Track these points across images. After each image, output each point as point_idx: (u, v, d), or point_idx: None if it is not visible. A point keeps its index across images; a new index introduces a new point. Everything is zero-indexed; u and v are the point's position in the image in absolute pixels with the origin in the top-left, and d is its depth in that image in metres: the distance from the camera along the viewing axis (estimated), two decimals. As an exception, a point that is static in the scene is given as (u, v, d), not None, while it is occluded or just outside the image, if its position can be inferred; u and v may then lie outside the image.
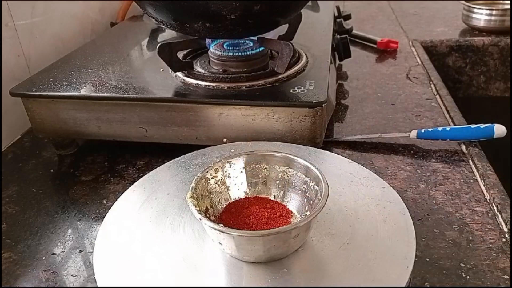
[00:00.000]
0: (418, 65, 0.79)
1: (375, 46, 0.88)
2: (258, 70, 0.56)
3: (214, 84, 0.54)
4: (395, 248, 0.36)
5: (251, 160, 0.42)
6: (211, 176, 0.40)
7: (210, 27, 0.52)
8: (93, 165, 0.56)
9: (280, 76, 0.55)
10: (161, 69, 0.59)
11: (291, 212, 0.40)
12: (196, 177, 0.39)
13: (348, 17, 0.90)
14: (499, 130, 0.51)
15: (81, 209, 0.48)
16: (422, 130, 0.54)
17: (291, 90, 0.52)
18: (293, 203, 0.40)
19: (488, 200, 0.45)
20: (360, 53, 0.86)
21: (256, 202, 0.41)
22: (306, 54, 0.62)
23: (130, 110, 0.54)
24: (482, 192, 0.47)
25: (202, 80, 0.55)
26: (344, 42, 0.72)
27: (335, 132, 0.59)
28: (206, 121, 0.53)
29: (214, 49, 0.58)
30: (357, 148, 0.55)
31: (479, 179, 0.48)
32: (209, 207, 0.39)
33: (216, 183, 0.40)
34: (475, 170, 0.50)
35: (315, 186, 0.38)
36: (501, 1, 0.99)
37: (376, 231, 0.38)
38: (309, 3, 0.85)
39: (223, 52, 0.57)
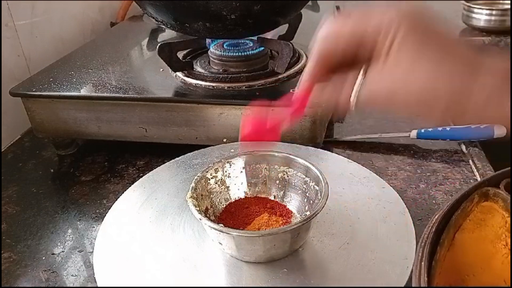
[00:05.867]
0: (418, 65, 0.79)
1: (375, 46, 0.88)
2: (258, 70, 0.56)
3: (214, 84, 0.54)
4: (395, 248, 0.36)
5: (251, 160, 0.42)
6: (211, 176, 0.40)
7: (210, 27, 0.52)
8: (93, 165, 0.56)
9: (280, 76, 0.55)
10: (161, 69, 0.59)
11: (291, 212, 0.40)
12: (196, 177, 0.39)
13: (348, 17, 0.89)
14: (499, 130, 0.51)
15: (81, 209, 0.48)
16: (422, 130, 0.54)
17: (291, 90, 0.52)
18: (293, 203, 0.40)
19: (488, 200, 0.45)
20: (360, 53, 0.86)
21: (256, 202, 0.41)
22: (306, 54, 0.62)
23: (130, 110, 0.54)
24: (482, 192, 0.47)
25: (202, 80, 0.55)
26: (344, 42, 0.72)
27: (335, 132, 0.59)
28: (206, 121, 0.53)
29: (214, 49, 0.58)
30: (357, 148, 0.55)
31: (479, 179, 0.48)
32: (209, 207, 0.39)
33: (216, 183, 0.40)
34: (475, 170, 0.50)
35: (315, 186, 0.38)
36: (501, 1, 0.98)
37: (376, 231, 0.38)
38: (309, 3, 0.85)
39: (223, 52, 0.57)
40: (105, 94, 0.54)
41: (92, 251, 0.39)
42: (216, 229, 0.33)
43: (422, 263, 0.27)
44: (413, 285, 0.26)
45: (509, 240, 0.29)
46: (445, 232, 0.29)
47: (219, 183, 0.41)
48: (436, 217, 0.30)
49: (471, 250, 0.29)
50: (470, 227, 0.30)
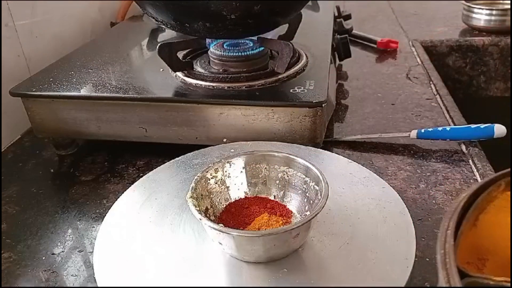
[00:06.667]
0: (418, 65, 0.79)
1: (375, 46, 0.88)
2: (258, 70, 0.56)
3: (214, 84, 0.54)
4: (395, 248, 0.36)
5: (251, 160, 0.42)
6: (211, 176, 0.40)
7: (210, 27, 0.52)
8: (93, 165, 0.56)
9: (280, 76, 0.55)
10: (161, 69, 0.59)
11: (291, 212, 0.40)
12: (196, 177, 0.39)
13: (348, 17, 0.90)
14: (499, 130, 0.51)
15: (81, 209, 0.48)
16: (422, 130, 0.54)
17: (291, 90, 0.52)
18: (293, 203, 0.40)
19: (488, 200, 0.45)
20: (360, 53, 0.86)
21: (256, 202, 0.41)
22: (306, 54, 0.62)
23: (130, 110, 0.54)
24: (482, 192, 0.47)
25: (202, 80, 0.55)
26: (344, 42, 0.72)
27: (335, 132, 0.59)
28: (206, 121, 0.53)
29: (214, 49, 0.58)
30: (357, 148, 0.55)
31: (479, 179, 0.48)
32: (209, 207, 0.39)
33: (216, 183, 0.40)
34: (475, 170, 0.50)
35: (315, 186, 0.38)
36: (501, 1, 0.98)
37: (376, 231, 0.38)
38: (309, 3, 0.85)
39: (223, 52, 0.57)
40: (105, 94, 0.54)
41: (92, 251, 0.39)
42: (216, 229, 0.33)
43: (448, 231, 0.27)
44: (437, 249, 0.26)
45: None
46: (470, 210, 0.29)
47: (219, 183, 0.41)
48: (464, 195, 0.30)
49: (492, 233, 0.29)
50: (493, 211, 0.30)
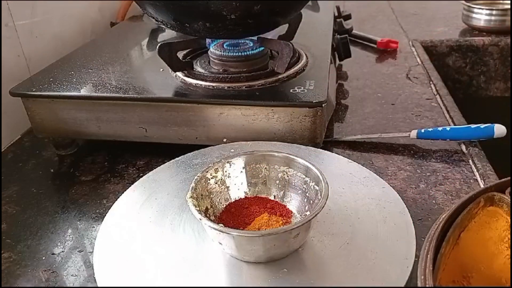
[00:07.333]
0: (418, 65, 0.79)
1: (375, 46, 0.88)
2: (258, 70, 0.56)
3: (214, 84, 0.54)
4: (395, 248, 0.36)
5: (251, 160, 0.42)
6: (211, 176, 0.40)
7: (210, 27, 0.52)
8: (93, 165, 0.56)
9: (280, 76, 0.55)
10: (161, 69, 0.59)
11: (291, 212, 0.40)
12: (196, 177, 0.39)
13: (348, 17, 0.90)
14: (499, 130, 0.51)
15: (81, 209, 0.48)
16: (422, 130, 0.54)
17: (291, 90, 0.52)
18: (293, 203, 0.40)
19: (488, 200, 0.45)
20: (360, 53, 0.86)
21: (256, 202, 0.41)
22: (306, 54, 0.62)
23: (130, 110, 0.54)
24: (482, 192, 0.47)
25: (202, 80, 0.55)
26: (344, 42, 0.72)
27: (335, 132, 0.59)
28: (206, 121, 0.53)
29: (214, 49, 0.58)
30: (357, 148, 0.55)
31: (479, 179, 0.48)
32: (209, 207, 0.39)
33: (216, 183, 0.40)
34: (475, 170, 0.50)
35: (315, 186, 0.38)
36: (501, 1, 0.98)
37: (376, 231, 0.38)
38: (309, 3, 0.85)
39: (223, 52, 0.57)
40: (105, 94, 0.54)
41: (92, 251, 0.39)
42: (216, 229, 0.33)
43: (428, 256, 0.27)
44: (418, 275, 0.27)
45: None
46: (451, 230, 0.29)
47: (219, 183, 0.41)
48: (443, 216, 0.30)
49: (475, 250, 0.30)
50: (475, 228, 0.31)
